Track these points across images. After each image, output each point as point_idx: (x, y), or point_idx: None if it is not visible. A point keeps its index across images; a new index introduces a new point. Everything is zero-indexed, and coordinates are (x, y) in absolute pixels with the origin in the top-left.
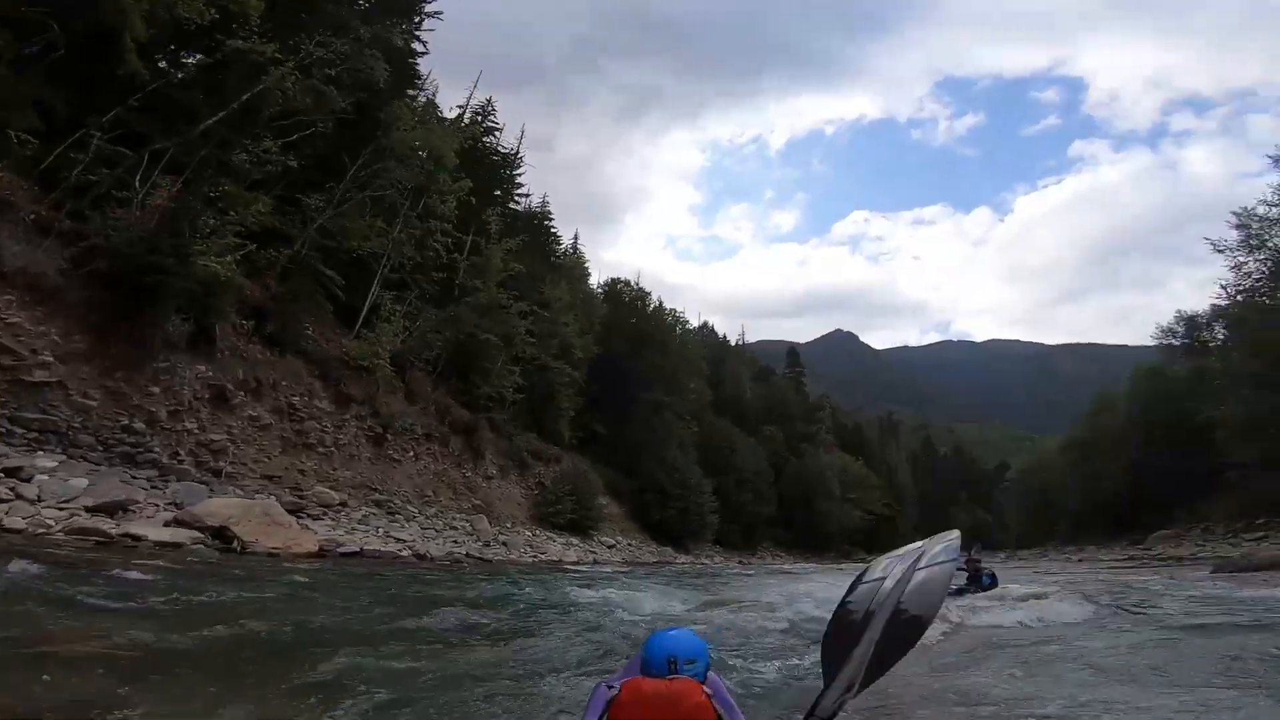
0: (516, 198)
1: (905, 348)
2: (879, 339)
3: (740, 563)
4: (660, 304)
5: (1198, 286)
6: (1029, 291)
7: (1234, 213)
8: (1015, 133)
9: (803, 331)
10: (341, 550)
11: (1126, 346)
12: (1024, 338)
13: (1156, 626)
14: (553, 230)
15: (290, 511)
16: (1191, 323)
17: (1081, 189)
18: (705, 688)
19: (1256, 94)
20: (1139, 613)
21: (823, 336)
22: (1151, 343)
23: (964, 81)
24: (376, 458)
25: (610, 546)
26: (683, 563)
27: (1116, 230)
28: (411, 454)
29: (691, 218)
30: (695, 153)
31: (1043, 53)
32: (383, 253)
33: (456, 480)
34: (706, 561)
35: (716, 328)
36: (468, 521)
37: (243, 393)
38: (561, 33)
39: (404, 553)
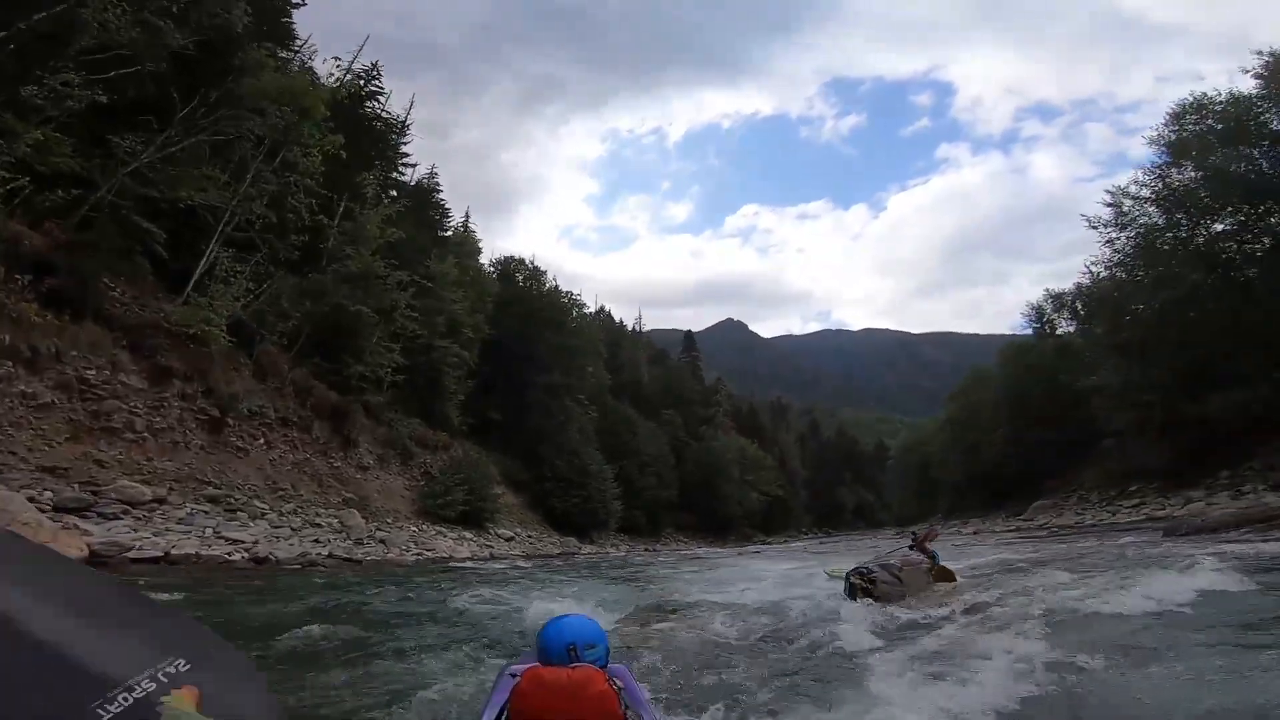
0: (401, 168)
1: (790, 336)
2: (767, 328)
3: (647, 549)
4: (556, 285)
5: (1037, 280)
6: (897, 283)
7: (1108, 191)
8: (893, 133)
9: (696, 320)
10: (132, 556)
11: (979, 335)
12: (893, 327)
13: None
14: (441, 204)
15: (69, 510)
16: (1058, 300)
17: (944, 189)
18: (610, 676)
19: (1096, 103)
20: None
21: (715, 325)
22: (1001, 331)
23: (851, 83)
24: (212, 446)
25: (508, 539)
26: (588, 553)
27: (971, 228)
28: (262, 442)
29: (589, 208)
30: (595, 143)
31: (922, 57)
32: (224, 207)
33: (322, 471)
34: (612, 550)
35: (613, 314)
36: (336, 518)
37: (10, 363)
38: (462, 18)
39: (236, 556)
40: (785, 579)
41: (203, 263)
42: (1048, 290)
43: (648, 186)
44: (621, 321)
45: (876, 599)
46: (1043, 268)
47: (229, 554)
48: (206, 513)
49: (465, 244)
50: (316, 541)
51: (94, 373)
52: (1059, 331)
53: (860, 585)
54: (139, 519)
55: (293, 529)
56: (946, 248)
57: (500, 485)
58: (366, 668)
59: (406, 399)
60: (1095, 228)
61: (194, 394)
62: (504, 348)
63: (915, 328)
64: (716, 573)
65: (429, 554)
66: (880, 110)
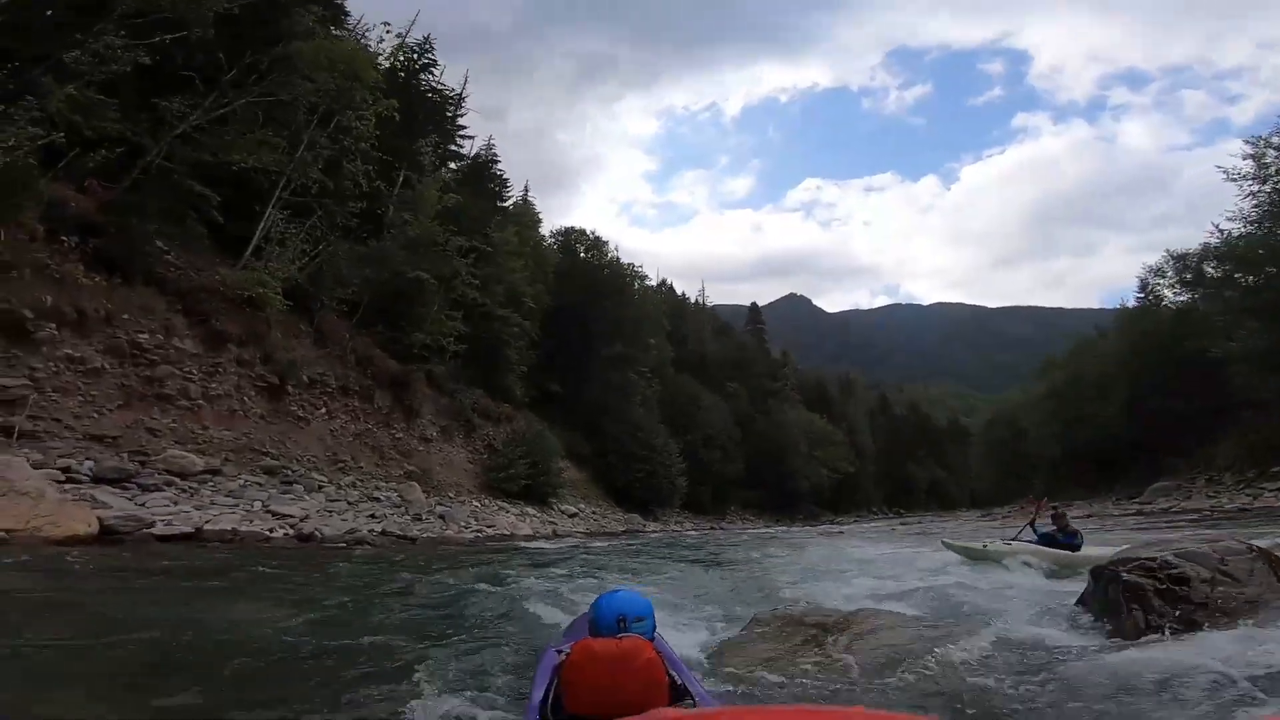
0: (458, 140)
1: (856, 310)
2: (831, 302)
3: (714, 527)
4: (617, 256)
5: (1128, 252)
6: (971, 256)
7: (1247, 141)
8: (962, 103)
9: (758, 295)
10: (157, 532)
11: (1063, 309)
12: (966, 300)
13: None
14: (500, 175)
15: (108, 481)
16: (1180, 262)
17: (1023, 159)
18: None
19: (1192, 70)
20: None
21: (778, 300)
22: (1088, 305)
23: (914, 53)
24: (271, 414)
25: (572, 516)
26: (654, 531)
27: (1054, 198)
28: (323, 411)
29: (646, 185)
30: (650, 120)
31: (990, 25)
32: (280, 172)
33: (384, 443)
34: (678, 529)
35: (675, 288)
36: (396, 491)
37: (53, 325)
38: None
39: (279, 533)
40: (909, 563)
41: (260, 227)
42: (1168, 252)
43: (705, 162)
44: (684, 294)
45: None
46: (1134, 239)
47: (270, 530)
48: (260, 485)
49: (525, 215)
50: (373, 516)
51: (146, 337)
52: (1177, 298)
53: (1151, 588)
54: (184, 491)
55: (349, 503)
56: (1026, 219)
57: (563, 459)
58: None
59: (469, 369)
60: (1234, 180)
61: (251, 360)
62: (565, 319)
63: (991, 301)
64: (813, 556)
65: (489, 530)
66: (948, 80)
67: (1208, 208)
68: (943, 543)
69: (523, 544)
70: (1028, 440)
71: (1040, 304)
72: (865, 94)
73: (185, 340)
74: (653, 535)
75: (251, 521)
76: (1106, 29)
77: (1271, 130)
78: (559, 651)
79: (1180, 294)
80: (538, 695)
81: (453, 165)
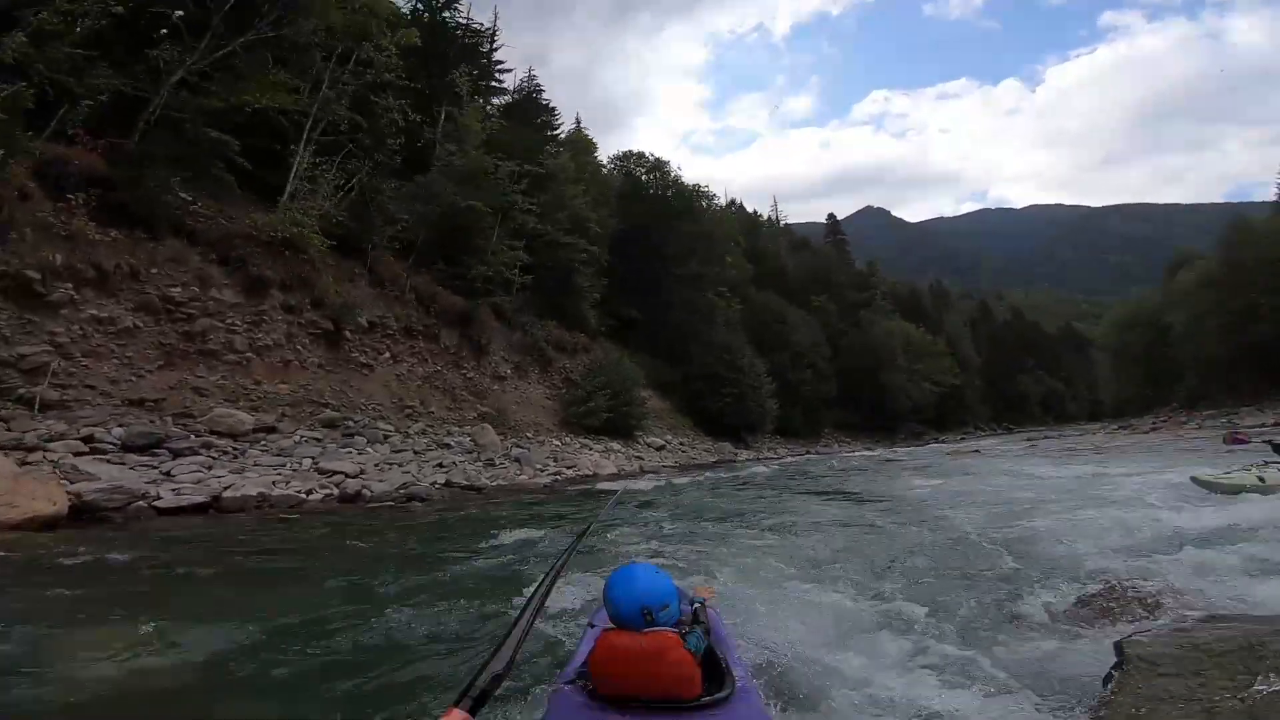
0: (498, 76)
1: (941, 218)
2: (913, 212)
3: (810, 452)
4: (680, 176)
5: (1252, 146)
6: (1069, 156)
7: None
8: (1038, 3)
9: (832, 211)
10: (162, 505)
11: (1179, 205)
12: (1067, 201)
13: None
14: (547, 104)
15: (137, 448)
16: None
17: (1117, 58)
18: (685, 637)
19: None
20: None
21: (854, 214)
22: (1212, 200)
23: None
24: (331, 363)
25: (659, 449)
26: (747, 460)
27: (1161, 95)
28: (387, 355)
29: (702, 113)
30: (697, 48)
31: None
32: (304, 112)
33: (455, 384)
34: (773, 455)
35: (745, 206)
36: (469, 435)
37: (69, 285)
38: None
39: (317, 494)
40: (1152, 492)
41: (294, 170)
42: None
43: (761, 84)
44: (756, 212)
45: None
46: (1259, 132)
47: (308, 493)
48: (318, 440)
49: (579, 142)
50: (440, 466)
51: (179, 290)
52: None
53: None
54: (226, 453)
55: (415, 452)
56: (1129, 117)
57: (646, 389)
58: None
59: (538, 301)
60: None
61: (299, 306)
62: (635, 243)
63: (1096, 201)
64: (987, 486)
65: (569, 472)
66: None
67: None
68: (1193, 479)
69: (607, 484)
70: (1173, 342)
71: (1156, 200)
72: None
73: (224, 290)
74: (754, 467)
75: (289, 483)
76: None
77: None
78: (593, 627)
79: None
80: (569, 672)
81: (496, 101)
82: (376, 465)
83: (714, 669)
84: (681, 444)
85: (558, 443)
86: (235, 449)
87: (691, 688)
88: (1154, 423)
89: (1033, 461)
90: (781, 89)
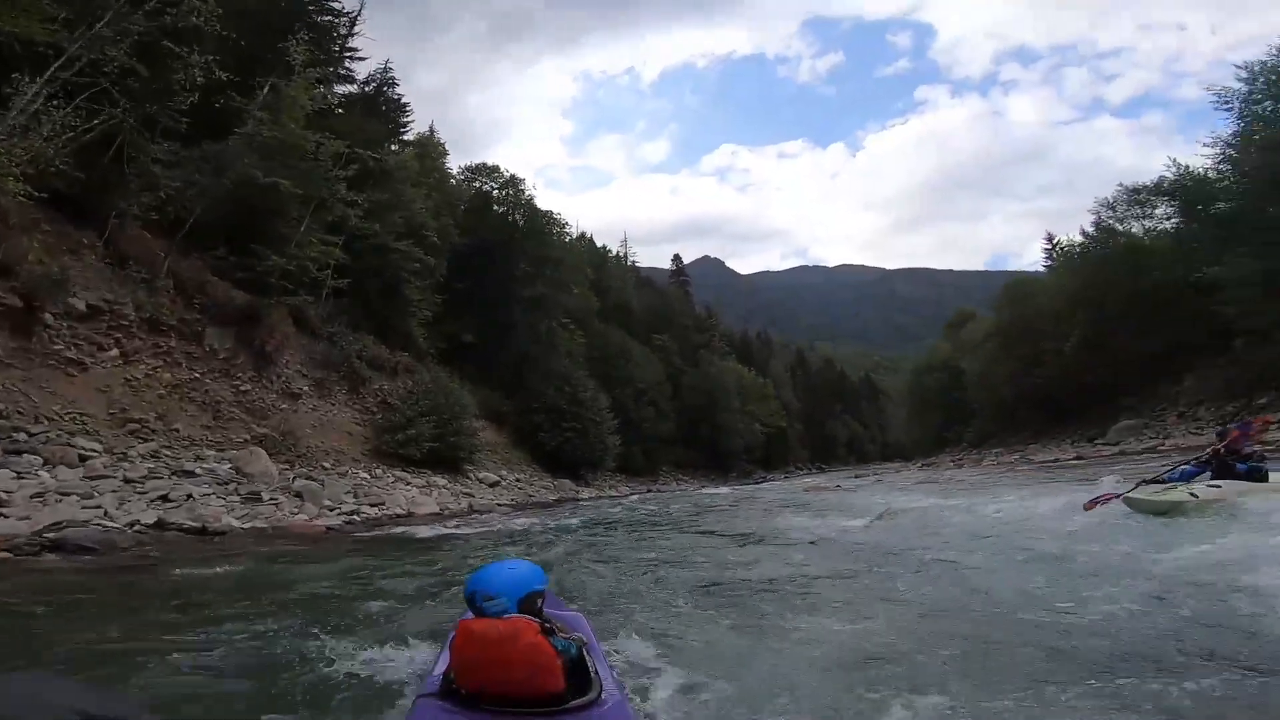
0: (347, 66)
1: (768, 272)
2: (745, 264)
3: (651, 490)
4: (534, 196)
5: (1014, 218)
6: (874, 220)
7: (1238, 66)
8: (871, 74)
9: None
10: None
11: (952, 270)
12: (869, 262)
13: None
14: (398, 98)
15: None
16: (1132, 195)
17: (923, 130)
18: (546, 625)
19: (1076, 49)
20: None
21: (693, 262)
22: (976, 268)
23: (829, 22)
24: (17, 354)
25: (493, 485)
26: (588, 499)
27: (950, 168)
28: (115, 352)
29: (563, 148)
30: (567, 83)
31: None
32: (58, 46)
33: (223, 398)
34: (616, 494)
35: (595, 240)
36: (230, 462)
37: None
38: None
39: None
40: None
41: (16, 106)
42: (1121, 186)
43: (623, 126)
44: (605, 247)
45: None
46: (1017, 206)
47: None
48: None
49: (429, 144)
50: (165, 500)
51: None
52: (1139, 226)
53: None
54: None
55: (127, 480)
56: (925, 186)
57: (479, 419)
58: None
59: (357, 312)
60: (1226, 105)
61: None
62: (478, 261)
63: (891, 264)
64: (920, 528)
65: (372, 510)
66: (859, 50)
67: (1085, 177)
68: (1126, 499)
69: (423, 527)
70: (966, 387)
71: (935, 266)
72: (781, 61)
73: None
74: (593, 505)
75: None
76: (1007, 5)
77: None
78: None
79: (1145, 222)
80: (439, 669)
81: (341, 90)
82: (37, 495)
83: (584, 677)
84: (518, 480)
85: (365, 475)
86: None
87: (550, 677)
88: (953, 459)
89: (911, 496)
90: (642, 133)
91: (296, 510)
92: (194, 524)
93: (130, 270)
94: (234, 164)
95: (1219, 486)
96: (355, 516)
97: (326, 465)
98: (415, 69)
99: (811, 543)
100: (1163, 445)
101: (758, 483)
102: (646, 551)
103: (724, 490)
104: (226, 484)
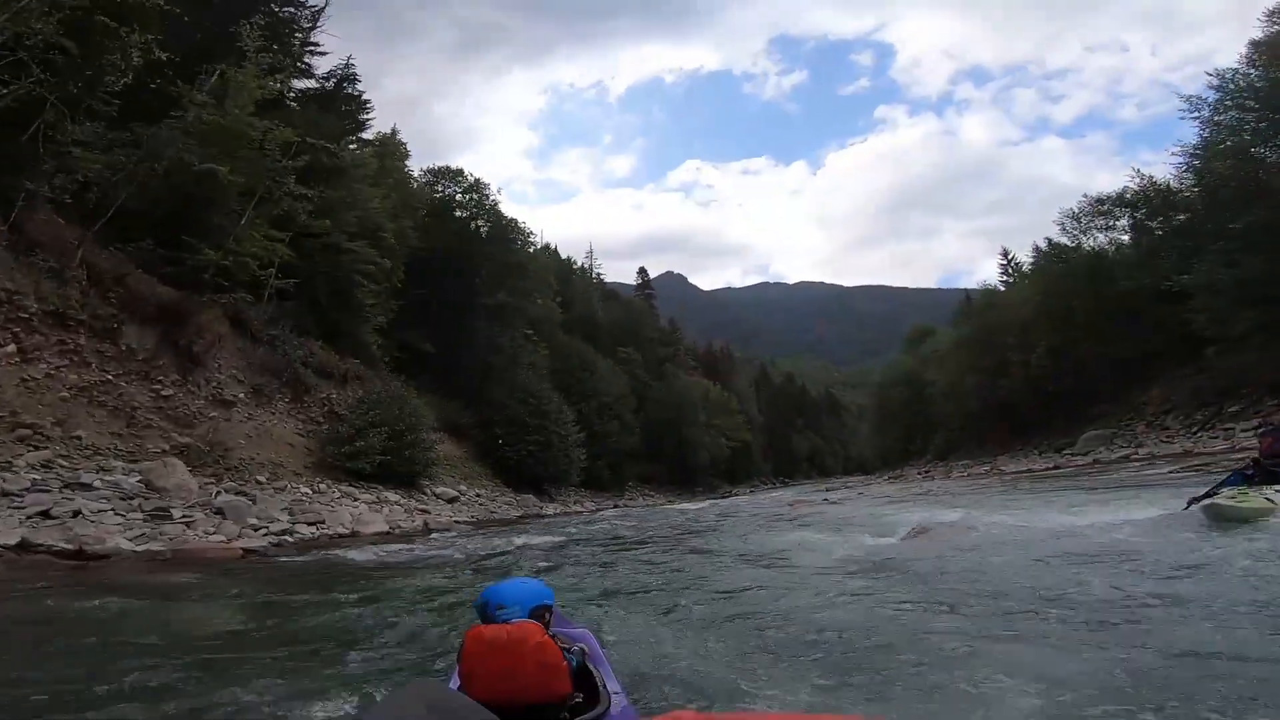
0: (305, 60)
1: (730, 288)
2: (707, 280)
3: (615, 505)
4: (498, 202)
5: (964, 236)
6: (834, 237)
7: (1210, 73)
8: (833, 93)
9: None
10: None
11: (908, 288)
12: (827, 279)
13: None
14: (359, 95)
15: None
16: (1098, 205)
17: (881, 148)
18: (551, 629)
19: (1026, 70)
20: None
21: (657, 277)
22: (930, 285)
23: (795, 40)
24: None
25: (451, 501)
26: (552, 515)
27: (905, 186)
28: (11, 348)
29: (528, 161)
30: (535, 95)
31: (867, 17)
32: None
33: (139, 403)
34: (580, 510)
35: (559, 252)
36: (139, 473)
37: None
38: None
39: None
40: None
41: None
42: (1086, 196)
43: (589, 140)
44: (570, 258)
45: None
46: (967, 224)
47: None
48: None
49: (390, 145)
50: (45, 517)
51: None
52: (1108, 237)
53: None
54: None
55: (4, 493)
56: (882, 204)
57: (437, 431)
58: None
59: (304, 315)
60: (1196, 112)
61: None
62: (438, 266)
63: (849, 281)
64: (984, 543)
65: (308, 530)
66: (822, 69)
67: (1030, 196)
68: (1203, 508)
69: (366, 548)
70: (932, 399)
71: (891, 283)
72: (747, 79)
73: None
74: (560, 522)
75: None
76: (965, 25)
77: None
78: None
79: (1108, 234)
80: (454, 684)
81: (299, 84)
82: None
83: (590, 689)
84: (479, 496)
85: (307, 490)
86: None
87: (558, 677)
88: (919, 472)
89: (927, 510)
90: (608, 147)
91: (213, 530)
92: (67, 545)
93: (37, 258)
94: (168, 149)
95: None
96: (287, 537)
97: (261, 479)
98: (381, 75)
99: (880, 574)
100: (1135, 455)
101: (723, 498)
102: (647, 575)
103: (698, 506)
104: (130, 499)
